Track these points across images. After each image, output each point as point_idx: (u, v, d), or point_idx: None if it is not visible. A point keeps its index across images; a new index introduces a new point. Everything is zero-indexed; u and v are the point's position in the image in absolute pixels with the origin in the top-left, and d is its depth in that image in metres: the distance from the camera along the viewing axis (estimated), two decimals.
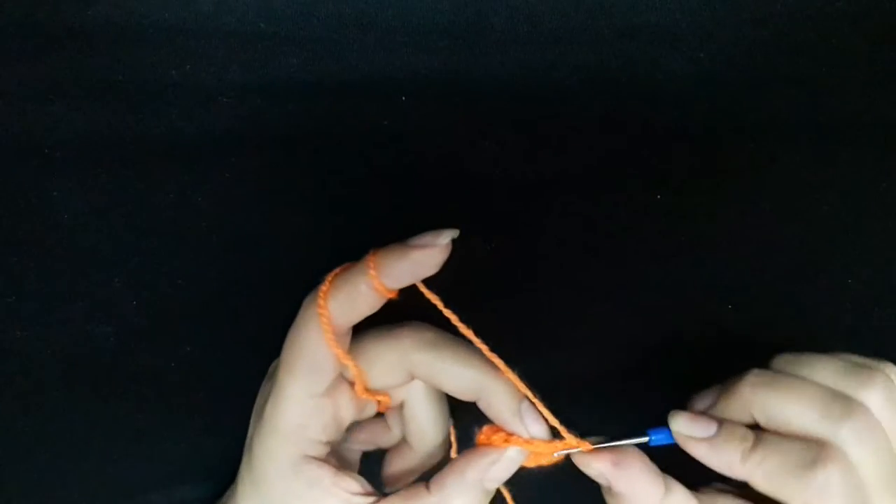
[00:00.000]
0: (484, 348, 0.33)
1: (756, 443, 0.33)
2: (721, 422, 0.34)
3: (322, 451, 0.34)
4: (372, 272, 0.31)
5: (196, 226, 0.38)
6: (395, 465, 0.37)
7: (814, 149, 0.39)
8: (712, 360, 0.42)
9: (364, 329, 0.34)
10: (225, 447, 0.43)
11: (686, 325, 0.42)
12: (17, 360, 0.40)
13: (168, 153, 0.36)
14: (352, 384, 0.34)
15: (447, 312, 0.33)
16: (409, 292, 0.33)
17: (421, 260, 0.32)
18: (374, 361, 0.33)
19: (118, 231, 0.38)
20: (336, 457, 0.36)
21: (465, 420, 0.35)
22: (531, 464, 0.34)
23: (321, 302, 0.32)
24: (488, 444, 0.33)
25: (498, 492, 0.35)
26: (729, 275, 0.41)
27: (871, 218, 0.41)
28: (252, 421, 0.36)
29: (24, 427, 0.41)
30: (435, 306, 0.33)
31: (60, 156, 0.36)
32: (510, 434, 0.33)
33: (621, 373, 0.42)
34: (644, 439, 0.35)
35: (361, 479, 0.34)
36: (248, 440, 0.36)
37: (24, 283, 0.39)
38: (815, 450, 0.32)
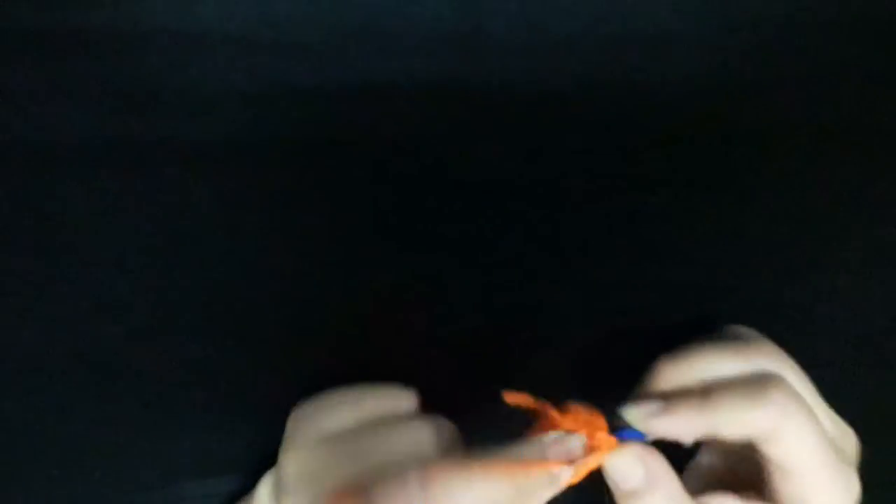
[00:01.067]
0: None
1: (705, 396, 0.34)
2: (662, 394, 0.35)
3: None
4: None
5: (198, 229, 0.38)
6: None
7: (811, 151, 0.39)
8: None
9: None
10: (227, 446, 0.44)
11: (683, 325, 0.42)
12: (19, 359, 0.40)
13: (170, 158, 0.36)
14: None
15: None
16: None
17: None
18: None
19: (123, 233, 0.38)
20: None
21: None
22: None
23: None
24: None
25: None
26: (726, 275, 0.42)
27: (869, 219, 0.42)
28: None
29: (26, 426, 0.42)
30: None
31: (61, 157, 0.36)
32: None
33: (619, 372, 0.42)
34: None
35: None
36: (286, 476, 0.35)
37: (25, 283, 0.39)
38: (758, 380, 0.34)
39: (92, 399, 0.42)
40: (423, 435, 0.35)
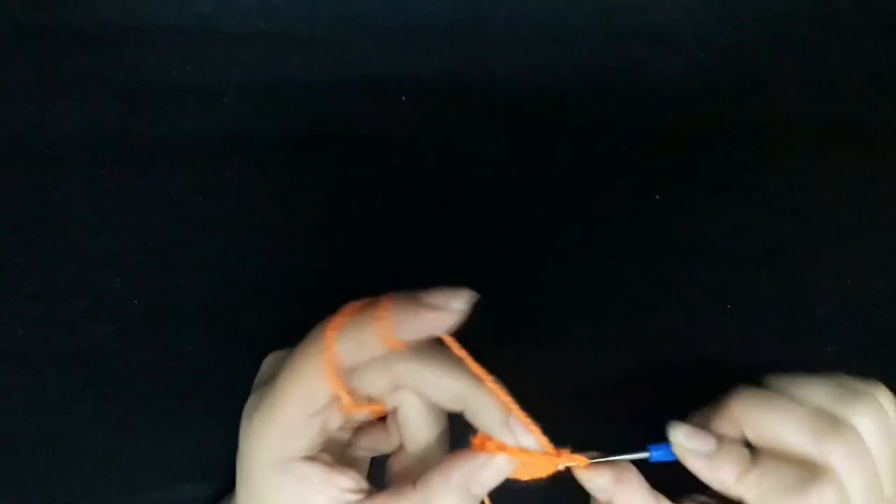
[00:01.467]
0: (477, 368, 0.32)
1: (752, 462, 0.33)
2: (720, 438, 0.34)
3: (314, 449, 0.34)
4: (381, 324, 0.31)
5: (196, 225, 0.38)
6: (397, 468, 0.37)
7: (813, 149, 0.39)
8: (712, 360, 0.42)
9: None
10: (225, 447, 0.43)
11: (685, 325, 0.42)
12: (17, 359, 0.40)
13: (169, 153, 0.36)
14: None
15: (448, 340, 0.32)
16: None
17: (433, 322, 0.31)
18: (361, 370, 0.33)
19: (119, 230, 0.38)
20: (344, 459, 0.36)
21: (463, 423, 0.35)
22: (525, 476, 0.34)
23: (328, 340, 0.32)
24: (481, 449, 0.33)
25: None
26: (728, 275, 0.41)
27: (871, 218, 0.41)
28: (242, 424, 0.35)
29: (24, 426, 0.41)
30: None
31: (61, 155, 0.36)
32: (496, 443, 0.33)
33: (620, 372, 0.42)
34: (644, 455, 0.35)
35: (357, 476, 0.34)
36: (239, 449, 0.35)
37: (24, 282, 0.39)
38: (808, 471, 0.32)
39: (88, 399, 0.42)
40: None
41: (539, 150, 0.38)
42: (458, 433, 0.36)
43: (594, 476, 0.34)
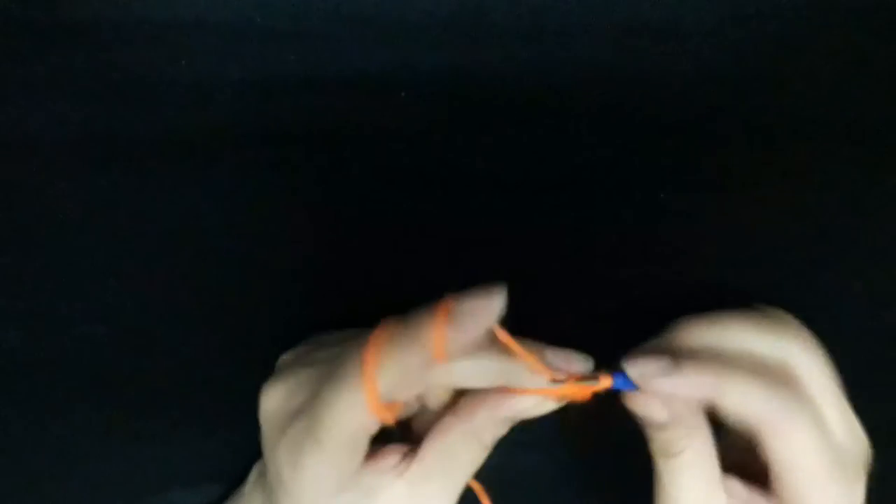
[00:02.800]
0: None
1: (719, 364, 0.33)
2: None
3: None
4: (426, 345, 0.31)
5: (192, 223, 0.38)
6: (422, 425, 0.36)
7: (818, 146, 0.39)
8: None
9: None
10: (221, 451, 0.43)
11: None
12: (13, 360, 0.40)
13: (164, 150, 0.35)
14: None
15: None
16: None
17: (476, 326, 0.31)
18: (398, 386, 0.32)
19: (114, 230, 0.37)
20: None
21: None
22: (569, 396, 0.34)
23: (367, 373, 0.30)
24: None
25: None
26: (731, 274, 0.41)
27: (877, 217, 0.41)
28: (282, 458, 0.34)
29: (19, 428, 0.41)
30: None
31: (55, 154, 0.35)
32: None
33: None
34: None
35: (393, 446, 0.34)
36: (285, 482, 0.34)
37: (19, 282, 0.38)
38: (774, 369, 0.33)
39: (83, 402, 0.41)
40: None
41: (540, 147, 0.37)
42: None
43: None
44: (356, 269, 0.40)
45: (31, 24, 0.34)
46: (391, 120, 0.35)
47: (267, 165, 0.36)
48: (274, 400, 0.35)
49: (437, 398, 0.35)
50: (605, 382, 0.34)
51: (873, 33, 0.36)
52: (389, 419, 0.32)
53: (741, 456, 0.36)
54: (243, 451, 0.42)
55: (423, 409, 0.36)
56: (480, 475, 0.35)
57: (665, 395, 0.33)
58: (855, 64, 0.37)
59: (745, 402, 0.33)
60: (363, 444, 0.33)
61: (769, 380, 0.33)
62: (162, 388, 0.42)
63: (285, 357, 0.38)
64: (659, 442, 0.34)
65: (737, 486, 0.35)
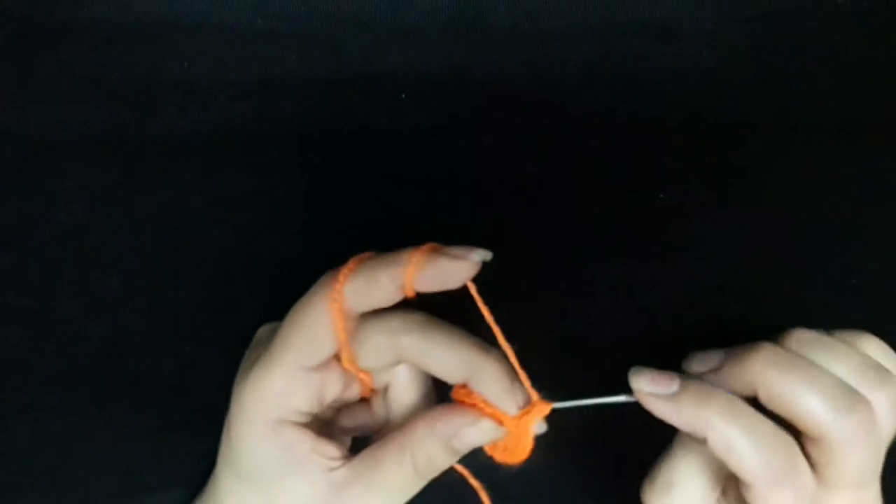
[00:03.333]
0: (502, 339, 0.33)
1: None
2: (682, 379, 0.33)
3: (303, 418, 0.34)
4: (399, 270, 0.31)
5: (193, 223, 0.38)
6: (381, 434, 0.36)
7: (816, 146, 0.39)
8: None
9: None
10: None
11: (687, 325, 0.42)
12: (14, 359, 0.40)
13: (165, 150, 0.35)
14: (338, 358, 0.34)
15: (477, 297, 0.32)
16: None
17: (449, 270, 0.31)
18: (363, 342, 0.33)
19: (115, 230, 0.37)
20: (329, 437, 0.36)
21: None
22: (503, 457, 0.34)
23: (339, 283, 0.32)
24: (463, 403, 0.33)
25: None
26: (731, 274, 0.41)
27: (875, 217, 0.41)
28: (235, 382, 0.35)
29: (20, 427, 0.41)
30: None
31: (56, 154, 0.35)
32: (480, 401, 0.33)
33: (622, 372, 0.42)
34: (620, 399, 0.34)
35: (342, 445, 0.34)
36: (228, 414, 0.35)
37: (21, 282, 0.38)
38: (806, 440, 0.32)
39: (84, 400, 0.41)
40: None
41: (541, 147, 0.37)
42: None
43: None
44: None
45: (31, 25, 0.34)
46: (391, 121, 0.35)
47: (267, 165, 0.36)
48: (259, 333, 0.37)
49: (401, 400, 0.35)
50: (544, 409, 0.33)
51: (871, 34, 0.36)
52: (347, 351, 0.32)
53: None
54: None
55: (385, 430, 0.36)
56: (480, 474, 0.35)
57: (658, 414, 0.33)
58: (853, 64, 0.37)
59: (729, 455, 0.31)
60: (314, 381, 0.33)
61: (772, 445, 0.31)
62: (161, 387, 0.42)
63: (262, 329, 0.38)
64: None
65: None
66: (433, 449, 0.33)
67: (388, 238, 0.39)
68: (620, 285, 0.41)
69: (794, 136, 0.38)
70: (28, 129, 0.35)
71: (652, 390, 0.33)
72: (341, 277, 0.32)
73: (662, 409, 0.33)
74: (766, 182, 0.40)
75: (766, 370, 0.32)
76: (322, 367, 0.33)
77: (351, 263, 0.32)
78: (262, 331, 0.38)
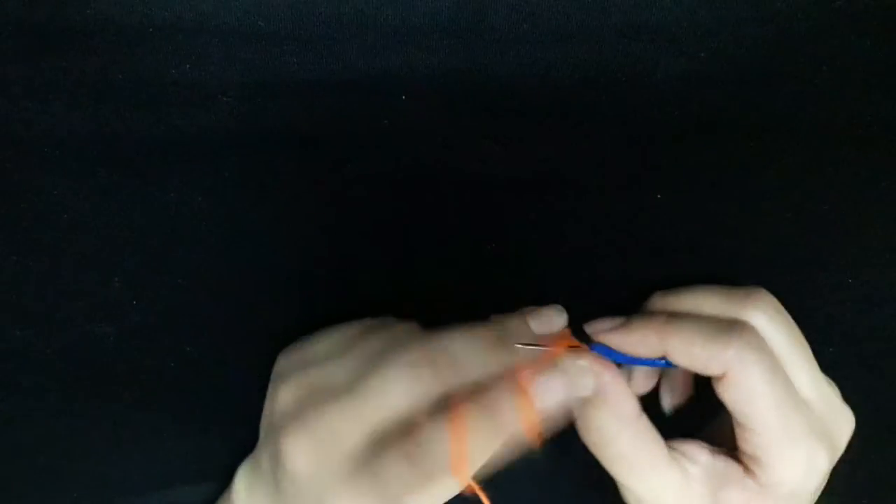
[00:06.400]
0: None
1: (670, 319, 0.35)
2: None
3: None
4: (516, 406, 0.32)
5: (195, 225, 0.38)
6: None
7: (814, 148, 0.39)
8: None
9: None
10: (223, 448, 0.43)
11: None
12: (16, 359, 0.40)
13: (167, 152, 0.35)
14: None
15: None
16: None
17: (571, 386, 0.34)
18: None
19: (117, 230, 0.37)
20: None
21: None
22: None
23: (461, 456, 0.31)
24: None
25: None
26: (729, 274, 0.41)
27: (872, 218, 0.41)
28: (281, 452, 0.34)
29: (23, 427, 0.41)
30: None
31: (59, 155, 0.35)
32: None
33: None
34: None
35: None
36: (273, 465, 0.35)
37: (22, 282, 0.38)
38: (727, 323, 0.34)
39: (87, 400, 0.42)
40: (405, 328, 0.36)
41: (539, 149, 0.37)
42: None
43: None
44: (357, 270, 0.40)
45: (34, 26, 0.34)
46: (392, 122, 0.35)
47: (269, 167, 0.36)
48: (284, 357, 0.37)
49: None
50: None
51: (869, 34, 0.36)
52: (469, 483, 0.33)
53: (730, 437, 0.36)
54: (246, 449, 0.43)
55: None
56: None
57: (617, 347, 0.35)
58: (851, 65, 0.37)
59: (689, 351, 0.34)
60: None
61: (718, 332, 0.34)
62: (164, 386, 0.42)
63: (284, 361, 0.38)
64: (586, 427, 0.35)
65: (698, 450, 0.35)
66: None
67: (388, 238, 0.39)
68: (620, 285, 0.42)
69: (791, 136, 0.38)
70: (30, 130, 0.35)
71: (605, 327, 0.36)
72: (459, 462, 0.31)
73: (618, 338, 0.35)
74: (765, 182, 0.40)
75: (662, 337, 0.35)
76: None
77: (455, 433, 0.32)
78: (285, 359, 0.38)
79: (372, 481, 0.31)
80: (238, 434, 0.44)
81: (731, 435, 0.35)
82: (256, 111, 0.34)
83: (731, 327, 0.34)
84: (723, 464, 0.35)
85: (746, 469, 0.34)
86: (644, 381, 0.40)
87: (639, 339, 0.35)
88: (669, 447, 0.35)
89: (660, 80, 0.35)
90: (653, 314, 0.36)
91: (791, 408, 0.33)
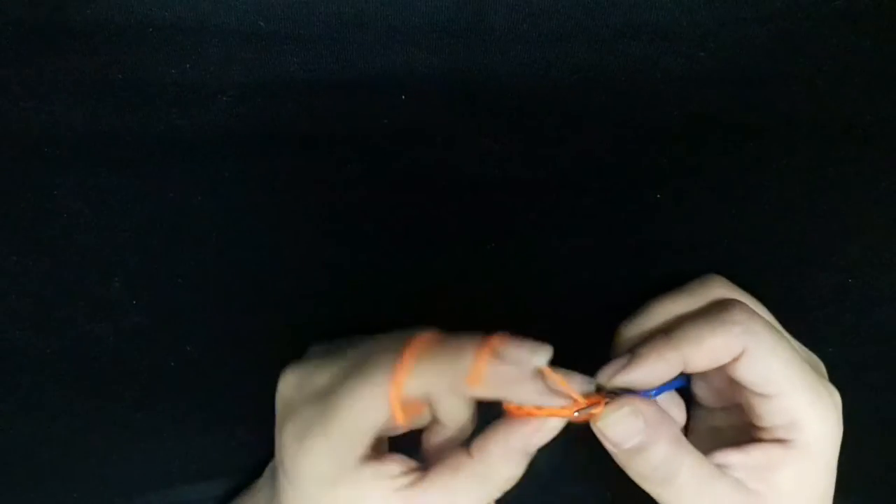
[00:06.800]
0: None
1: (669, 332, 0.35)
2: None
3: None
4: (469, 366, 0.32)
5: (195, 225, 0.38)
6: (433, 441, 0.36)
7: (814, 148, 0.39)
8: None
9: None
10: (222, 448, 0.43)
11: None
12: (16, 359, 0.40)
13: (167, 152, 0.35)
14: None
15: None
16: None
17: (519, 390, 0.33)
18: (440, 405, 0.34)
19: (117, 230, 0.37)
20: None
21: None
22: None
23: (400, 372, 0.32)
24: (518, 413, 0.33)
25: None
26: (729, 274, 0.41)
27: (872, 218, 0.41)
28: (285, 442, 0.35)
29: (23, 427, 0.41)
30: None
31: (59, 155, 0.35)
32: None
33: None
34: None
35: (399, 457, 0.35)
36: (284, 462, 0.35)
37: (22, 282, 0.39)
38: (718, 306, 0.35)
39: (87, 400, 0.42)
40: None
41: (539, 149, 0.37)
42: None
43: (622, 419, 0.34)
44: (357, 269, 0.40)
45: (33, 26, 0.33)
46: (392, 122, 0.35)
47: (269, 167, 0.36)
48: (292, 381, 0.36)
49: (449, 412, 0.35)
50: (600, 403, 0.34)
51: (869, 34, 0.36)
52: (401, 419, 0.32)
53: (729, 428, 0.36)
54: (246, 448, 0.43)
55: (433, 423, 0.36)
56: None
57: (642, 385, 0.34)
58: (851, 65, 0.37)
59: (706, 347, 0.33)
60: (368, 439, 0.33)
61: (719, 315, 0.34)
62: (165, 386, 0.42)
63: (316, 347, 0.38)
64: (645, 468, 0.34)
65: (729, 454, 0.35)
66: (512, 465, 0.34)
67: (388, 238, 0.39)
68: (620, 285, 0.42)
69: (791, 136, 0.38)
70: (31, 129, 0.35)
71: (617, 369, 0.35)
72: (401, 369, 0.32)
73: (641, 373, 0.34)
74: (764, 182, 0.40)
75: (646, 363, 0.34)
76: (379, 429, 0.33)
77: (412, 349, 0.33)
78: (315, 350, 0.38)
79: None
80: (240, 433, 0.44)
81: (742, 427, 0.36)
82: (256, 111, 0.34)
83: (724, 308, 0.34)
84: (759, 452, 0.34)
85: (782, 442, 0.34)
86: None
87: (656, 364, 0.34)
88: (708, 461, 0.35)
89: (659, 80, 0.35)
90: (652, 339, 0.36)
91: (800, 359, 0.34)
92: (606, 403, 0.34)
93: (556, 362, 0.42)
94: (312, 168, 0.37)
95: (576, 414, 0.34)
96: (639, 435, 0.33)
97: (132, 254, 0.38)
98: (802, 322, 0.42)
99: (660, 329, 0.36)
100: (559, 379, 0.33)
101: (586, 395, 0.34)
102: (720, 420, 0.38)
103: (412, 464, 0.34)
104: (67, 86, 0.34)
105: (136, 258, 0.38)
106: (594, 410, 0.34)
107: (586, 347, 0.42)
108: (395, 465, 0.34)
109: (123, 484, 0.44)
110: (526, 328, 0.41)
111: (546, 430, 0.33)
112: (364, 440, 0.33)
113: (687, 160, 0.38)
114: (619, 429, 0.33)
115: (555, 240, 0.40)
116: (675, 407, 0.38)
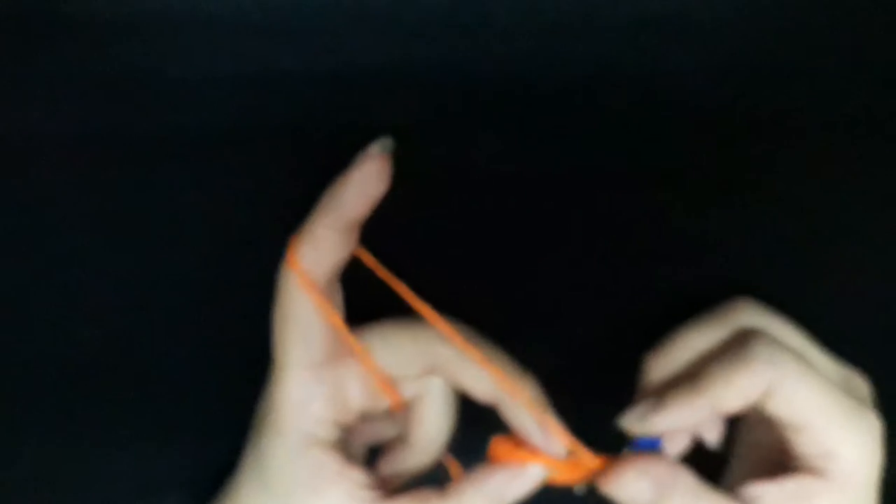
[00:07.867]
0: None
1: (694, 375, 0.33)
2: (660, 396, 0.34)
3: (331, 432, 0.33)
4: (320, 210, 0.32)
5: (190, 223, 0.38)
6: (390, 465, 0.36)
7: (821, 146, 0.39)
8: None
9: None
10: (214, 457, 0.43)
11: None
12: (13, 359, 0.40)
13: (160, 147, 0.35)
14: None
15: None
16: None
17: (362, 180, 0.32)
18: (394, 347, 0.33)
19: (112, 229, 0.37)
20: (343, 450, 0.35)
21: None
22: (559, 482, 0.33)
23: (291, 258, 0.32)
24: (503, 457, 0.33)
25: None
26: (730, 274, 0.41)
27: (875, 218, 0.41)
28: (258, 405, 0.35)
29: (14, 429, 0.41)
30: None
31: (52, 151, 0.35)
32: (524, 448, 0.33)
33: (622, 373, 0.42)
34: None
35: (370, 471, 0.34)
36: (252, 432, 0.35)
37: (16, 283, 0.38)
38: (738, 340, 0.34)
39: (77, 405, 0.41)
40: None
41: (540, 144, 0.37)
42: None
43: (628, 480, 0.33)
44: (356, 264, 0.40)
45: (27, 22, 0.33)
46: (389, 115, 0.35)
47: (264, 161, 0.36)
48: None
49: (427, 416, 0.34)
50: (595, 462, 0.34)
51: (882, 30, 0.36)
52: (326, 307, 0.32)
53: (768, 456, 0.35)
54: (239, 454, 0.42)
55: (401, 448, 0.36)
56: (470, 457, 0.35)
57: (669, 431, 0.34)
58: (863, 61, 0.37)
59: (735, 388, 0.32)
60: (327, 377, 0.33)
61: (741, 353, 0.33)
62: (158, 390, 0.42)
63: None
64: None
65: (759, 487, 0.34)
66: None
67: (386, 234, 0.39)
68: (620, 285, 0.41)
69: (798, 133, 0.38)
70: (23, 126, 0.35)
71: (644, 413, 0.34)
72: (290, 253, 0.32)
73: (669, 419, 0.33)
74: (768, 181, 0.40)
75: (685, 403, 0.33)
76: (332, 362, 0.33)
77: (293, 241, 0.33)
78: None
79: None
80: (233, 438, 0.43)
81: (771, 458, 0.35)
82: (251, 105, 0.34)
83: (746, 342, 0.33)
84: (793, 483, 0.34)
85: (817, 473, 0.33)
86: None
87: (681, 412, 0.33)
88: (733, 498, 0.34)
89: (664, 75, 0.35)
90: (678, 384, 0.34)
91: (830, 386, 0.33)
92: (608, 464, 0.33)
93: (556, 362, 0.42)
94: (308, 162, 0.36)
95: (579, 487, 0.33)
96: (649, 494, 0.32)
97: (126, 253, 0.38)
98: (803, 323, 0.42)
99: (686, 367, 0.35)
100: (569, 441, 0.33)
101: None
102: (763, 436, 0.38)
103: (376, 482, 0.34)
104: (60, 81, 0.34)
105: (130, 258, 0.39)
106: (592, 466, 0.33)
107: (586, 347, 0.42)
108: (361, 475, 0.33)
109: (110, 492, 0.43)
110: (524, 327, 0.41)
111: (526, 478, 0.33)
112: (315, 365, 0.33)
113: (691, 158, 0.38)
114: (627, 491, 0.33)
115: (555, 237, 0.40)
116: (710, 429, 0.37)
